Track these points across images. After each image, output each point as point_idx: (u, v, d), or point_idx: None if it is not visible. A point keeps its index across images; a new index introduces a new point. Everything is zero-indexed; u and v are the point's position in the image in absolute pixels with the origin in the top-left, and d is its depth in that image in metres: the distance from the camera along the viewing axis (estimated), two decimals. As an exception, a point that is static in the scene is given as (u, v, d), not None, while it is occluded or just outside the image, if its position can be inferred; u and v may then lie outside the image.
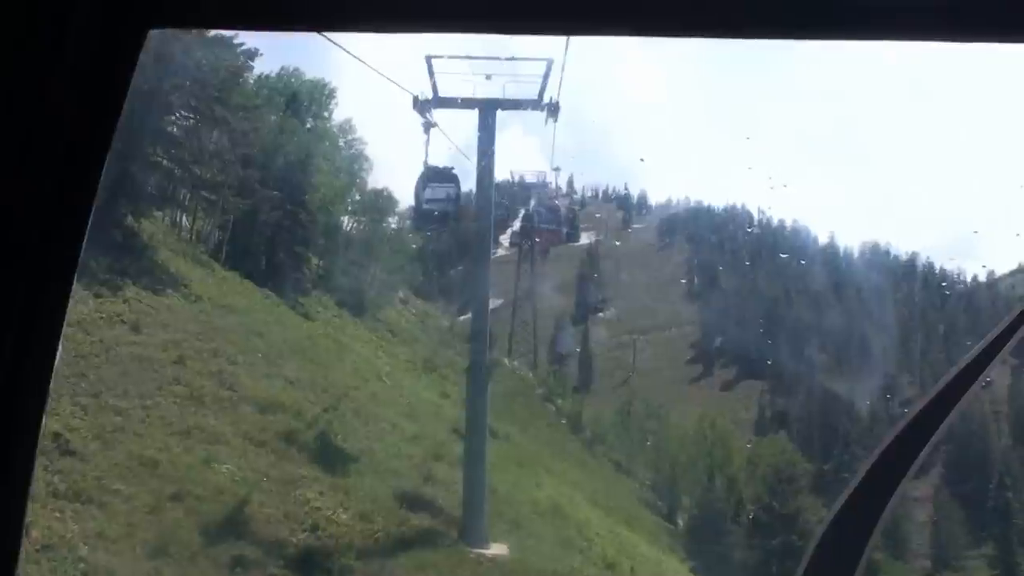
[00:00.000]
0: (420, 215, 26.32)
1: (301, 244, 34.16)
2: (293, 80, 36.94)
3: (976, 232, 71.60)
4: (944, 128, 71.64)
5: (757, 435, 46.85)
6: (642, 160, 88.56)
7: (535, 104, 24.42)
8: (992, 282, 54.45)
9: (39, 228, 1.85)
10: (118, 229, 26.55)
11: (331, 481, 22.47)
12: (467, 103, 23.98)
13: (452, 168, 24.81)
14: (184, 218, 33.49)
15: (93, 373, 21.76)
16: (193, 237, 32.91)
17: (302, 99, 36.68)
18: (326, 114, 37.99)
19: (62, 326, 1.93)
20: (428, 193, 24.39)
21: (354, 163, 38.78)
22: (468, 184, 27.18)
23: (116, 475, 19.60)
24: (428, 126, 23.60)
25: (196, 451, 21.25)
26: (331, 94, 37.63)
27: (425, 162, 24.17)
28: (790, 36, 1.94)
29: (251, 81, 35.01)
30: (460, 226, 35.69)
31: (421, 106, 23.59)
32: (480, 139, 23.68)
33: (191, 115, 30.38)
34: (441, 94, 24.02)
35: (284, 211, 32.78)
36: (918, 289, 51.66)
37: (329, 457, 23.26)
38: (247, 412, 23.33)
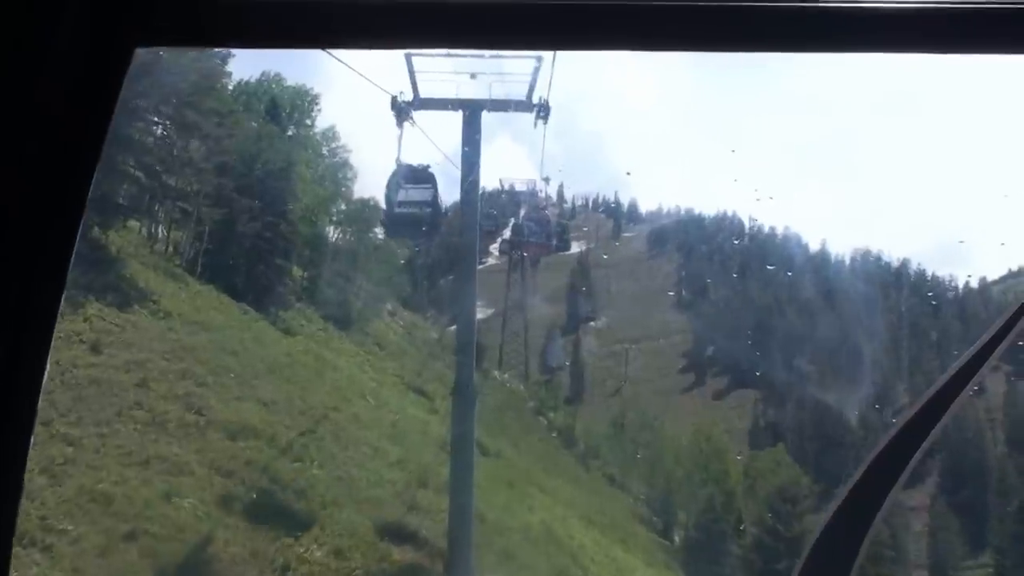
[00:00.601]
0: (393, 221, 23.50)
1: (282, 256, 31.47)
2: (274, 86, 34.40)
3: (962, 242, 69.14)
4: (928, 138, 69.57)
5: (752, 444, 45.32)
6: (628, 174, 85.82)
7: (524, 105, 21.78)
8: (980, 290, 53.19)
9: (32, 231, 1.85)
10: (82, 241, 23.83)
11: (305, 514, 19.97)
12: (450, 104, 21.28)
13: (428, 167, 22.04)
14: (160, 230, 30.89)
15: (44, 398, 18.93)
16: (168, 249, 30.27)
17: (283, 105, 34.12)
18: (309, 121, 35.52)
19: (54, 327, 1.90)
20: (402, 196, 21.68)
21: (339, 172, 36.22)
22: (455, 191, 24.57)
23: (63, 513, 17.16)
24: (402, 119, 20.77)
25: (156, 484, 18.78)
26: (314, 100, 35.17)
27: (398, 160, 21.44)
28: (779, 50, 1.93)
29: (229, 87, 32.60)
30: (446, 234, 32.99)
31: (400, 107, 20.88)
32: (465, 142, 20.88)
33: (162, 120, 27.87)
34: (423, 94, 21.32)
35: (263, 222, 30.19)
36: (905, 298, 50.44)
37: (304, 487, 20.75)
38: (215, 439, 20.84)
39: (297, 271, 35.42)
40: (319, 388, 26.04)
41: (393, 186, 21.79)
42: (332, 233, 38.03)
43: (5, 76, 1.79)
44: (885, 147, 66.25)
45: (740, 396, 51.58)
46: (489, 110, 21.17)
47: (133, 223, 30.28)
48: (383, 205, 31.86)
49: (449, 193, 24.29)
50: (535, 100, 21.76)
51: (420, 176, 21.83)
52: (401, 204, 22.01)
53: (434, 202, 22.62)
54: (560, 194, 63.83)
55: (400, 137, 20.81)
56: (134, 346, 22.40)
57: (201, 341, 24.25)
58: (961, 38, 1.83)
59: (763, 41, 1.87)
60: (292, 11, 1.88)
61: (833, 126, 72.88)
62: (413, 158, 22.88)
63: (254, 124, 32.29)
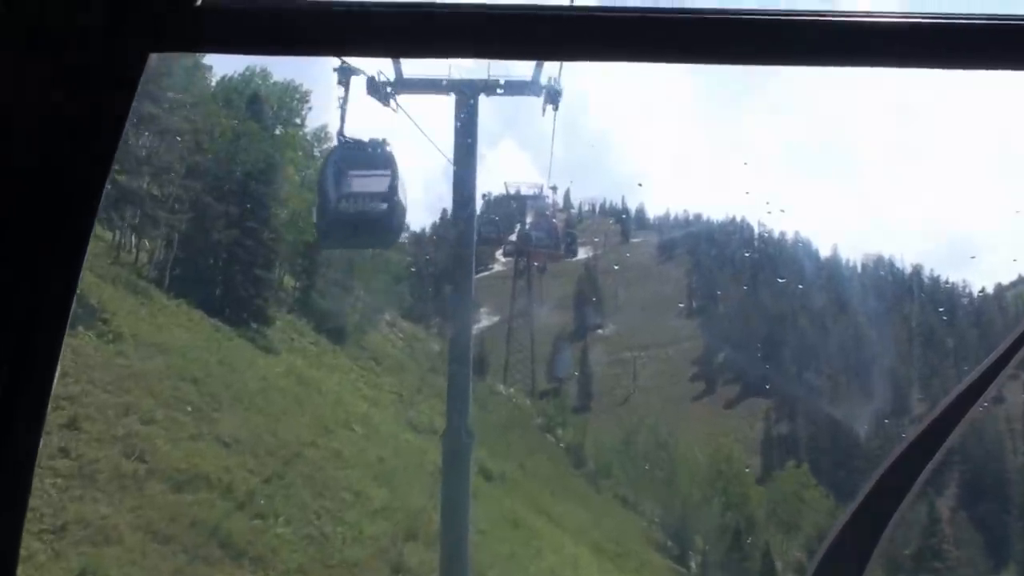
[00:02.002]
0: (331, 223, 16.46)
1: (263, 266, 26.55)
2: (258, 81, 29.52)
3: (973, 257, 65.78)
4: (942, 153, 65.54)
5: (763, 454, 42.34)
6: (640, 185, 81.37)
7: (530, 88, 16.59)
8: (991, 303, 48.94)
9: (45, 235, 1.76)
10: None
11: (262, 588, 15.10)
12: (441, 85, 15.98)
13: (384, 142, 15.73)
14: (132, 238, 26.08)
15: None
16: (137, 260, 25.42)
17: (269, 102, 29.21)
18: (298, 120, 30.68)
19: (65, 330, 1.81)
20: (346, 187, 15.53)
21: (331, 174, 31.30)
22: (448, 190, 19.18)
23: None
24: (344, 78, 14.95)
25: (70, 558, 13.96)
26: (304, 97, 30.23)
27: (340, 133, 15.31)
28: (786, 63, 1.80)
29: (212, 82, 27.83)
30: (445, 238, 27.82)
31: (379, 90, 15.60)
32: (458, 131, 15.54)
33: (147, 122, 23.12)
34: (407, 74, 16.04)
35: (242, 228, 25.35)
36: (917, 311, 47.71)
37: (263, 553, 15.83)
38: (156, 492, 15.98)
39: (288, 281, 30.83)
40: (296, 419, 21.09)
41: (331, 172, 15.56)
42: (326, 240, 33.30)
43: (19, 81, 1.72)
44: (898, 160, 62.61)
45: (751, 405, 48.20)
46: (487, 93, 16.02)
47: (103, 231, 25.66)
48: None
49: (448, 195, 18.93)
50: (544, 82, 16.57)
51: (372, 157, 15.52)
52: (344, 198, 15.27)
53: (392, 195, 15.52)
54: (567, 199, 59.48)
55: (344, 100, 14.84)
56: (68, 376, 17.49)
57: (156, 367, 19.38)
58: (971, 54, 1.70)
59: (776, 55, 1.74)
60: (303, 18, 1.81)
61: (845, 139, 69.10)
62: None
63: (236, 121, 27.40)
